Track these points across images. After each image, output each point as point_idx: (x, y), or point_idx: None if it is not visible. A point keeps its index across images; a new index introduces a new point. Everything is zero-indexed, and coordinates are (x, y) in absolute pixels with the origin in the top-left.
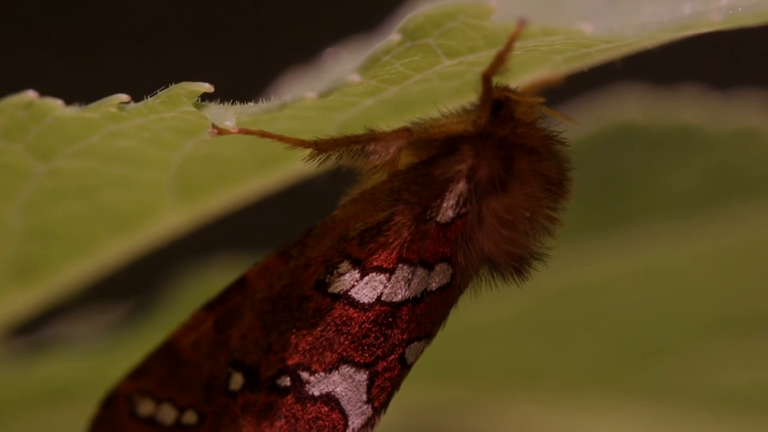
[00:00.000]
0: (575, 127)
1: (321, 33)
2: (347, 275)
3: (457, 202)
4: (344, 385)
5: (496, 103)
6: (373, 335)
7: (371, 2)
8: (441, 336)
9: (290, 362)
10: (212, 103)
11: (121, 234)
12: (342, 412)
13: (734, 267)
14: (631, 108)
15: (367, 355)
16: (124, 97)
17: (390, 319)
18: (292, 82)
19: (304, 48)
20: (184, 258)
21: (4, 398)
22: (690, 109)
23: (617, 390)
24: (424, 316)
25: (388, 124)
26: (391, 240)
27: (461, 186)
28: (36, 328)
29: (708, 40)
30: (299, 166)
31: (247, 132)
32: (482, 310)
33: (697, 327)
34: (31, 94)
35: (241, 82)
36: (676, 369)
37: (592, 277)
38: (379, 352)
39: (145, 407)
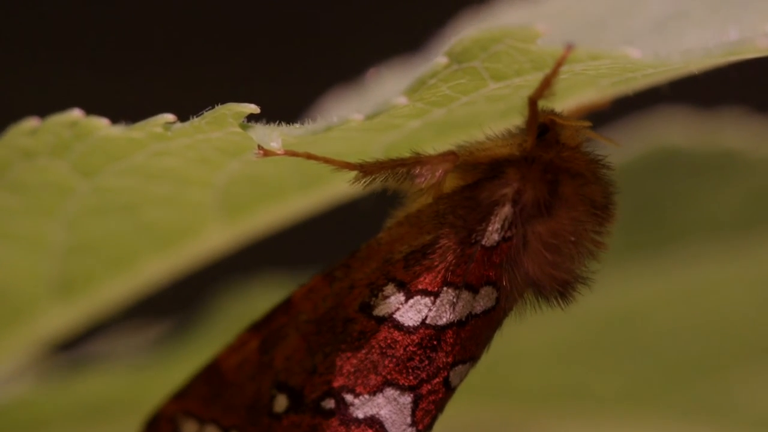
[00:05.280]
0: (618, 150)
1: (363, 54)
2: (392, 298)
3: (503, 226)
4: (388, 407)
5: (542, 127)
6: (417, 358)
7: (413, 23)
8: (487, 356)
9: (335, 384)
10: (258, 124)
11: (164, 252)
12: None
13: None
14: (674, 132)
15: (411, 377)
16: (169, 117)
17: (435, 342)
18: (336, 103)
19: (347, 69)
20: (228, 277)
21: (47, 414)
22: (733, 134)
23: (659, 410)
24: (468, 339)
25: (434, 146)
26: (436, 263)
27: (506, 210)
28: (78, 345)
29: (751, 64)
30: (344, 187)
31: (293, 154)
32: (528, 332)
33: (738, 350)
34: (76, 113)
35: (286, 103)
36: (716, 391)
37: (635, 299)
38: (423, 375)
39: (189, 428)
